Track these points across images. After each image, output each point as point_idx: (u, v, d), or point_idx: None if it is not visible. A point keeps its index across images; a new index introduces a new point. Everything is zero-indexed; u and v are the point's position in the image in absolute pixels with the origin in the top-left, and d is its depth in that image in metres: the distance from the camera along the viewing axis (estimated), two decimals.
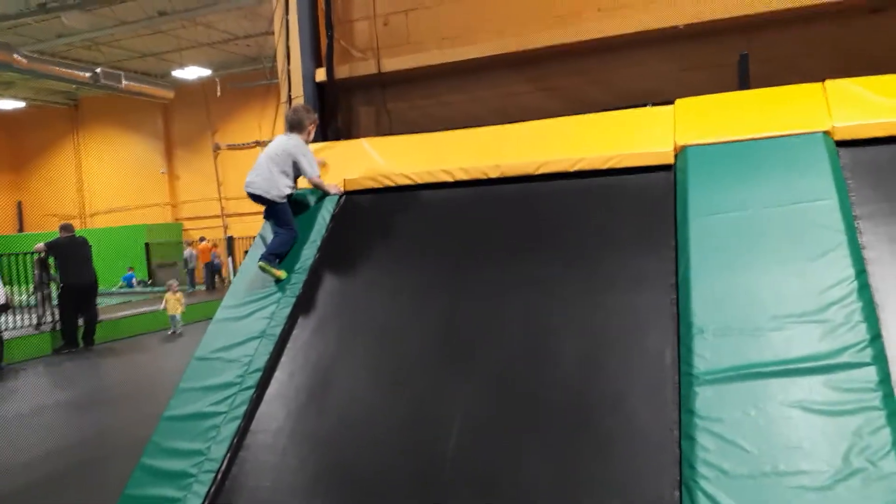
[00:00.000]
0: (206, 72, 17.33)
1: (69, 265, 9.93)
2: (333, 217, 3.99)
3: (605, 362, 2.88)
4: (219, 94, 18.37)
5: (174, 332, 10.83)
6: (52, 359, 9.65)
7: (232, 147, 18.32)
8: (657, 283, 3.05)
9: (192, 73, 17.56)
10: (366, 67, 4.49)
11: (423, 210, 3.88)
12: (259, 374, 3.31)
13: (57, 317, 10.11)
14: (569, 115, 3.88)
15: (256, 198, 3.90)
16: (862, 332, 2.50)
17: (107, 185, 22.07)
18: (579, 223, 3.50)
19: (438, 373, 3.12)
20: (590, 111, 3.86)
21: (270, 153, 3.90)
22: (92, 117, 22.19)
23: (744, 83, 3.74)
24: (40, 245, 10.03)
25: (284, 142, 3.93)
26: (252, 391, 3.25)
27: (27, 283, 11.22)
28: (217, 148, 20.18)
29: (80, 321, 10.07)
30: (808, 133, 3.20)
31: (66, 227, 10.19)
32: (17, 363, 9.26)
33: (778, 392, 2.47)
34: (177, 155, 21.61)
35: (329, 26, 4.51)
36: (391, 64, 4.42)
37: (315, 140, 4.60)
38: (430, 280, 3.54)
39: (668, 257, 3.12)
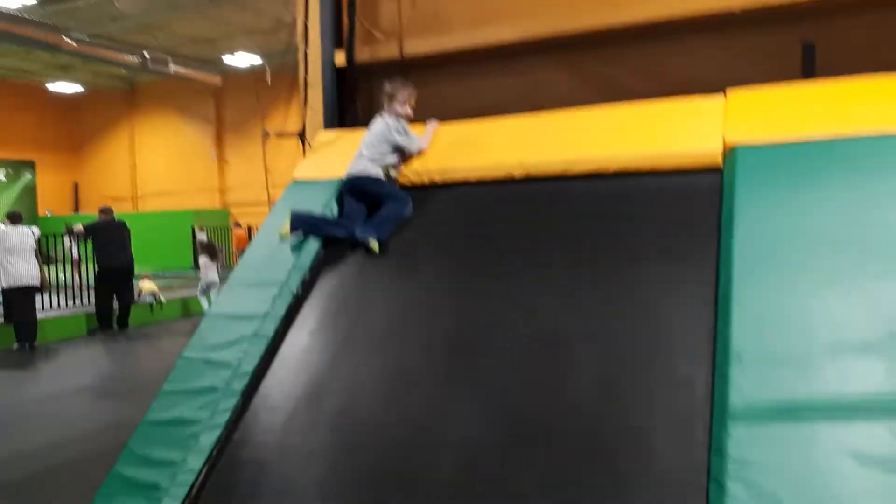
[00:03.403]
0: (256, 58, 17.32)
1: (107, 248, 9.92)
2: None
3: (626, 387, 2.51)
4: (269, 81, 18.35)
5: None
6: (85, 340, 9.67)
7: (280, 135, 18.29)
8: (693, 300, 2.66)
9: (242, 59, 17.58)
10: (388, 51, 4.17)
11: (438, 209, 3.56)
12: (246, 379, 3.03)
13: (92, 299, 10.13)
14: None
15: (356, 186, 3.61)
16: None
17: (158, 168, 22.40)
18: (609, 229, 3.12)
19: (439, 388, 2.79)
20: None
21: (365, 140, 3.69)
22: (146, 101, 22.55)
23: (808, 74, 3.28)
24: (79, 227, 10.07)
25: (376, 125, 3.71)
26: (237, 398, 2.98)
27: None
28: (266, 135, 20.23)
29: (116, 304, 10.07)
30: (886, 135, 2.74)
31: (105, 210, 10.21)
32: (51, 343, 9.29)
33: (828, 437, 2.07)
34: (227, 140, 21.77)
35: (351, 5, 4.20)
36: (414, 46, 4.09)
37: (330, 126, 4.32)
38: (440, 285, 3.22)
39: (709, 269, 2.72)
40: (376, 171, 3.59)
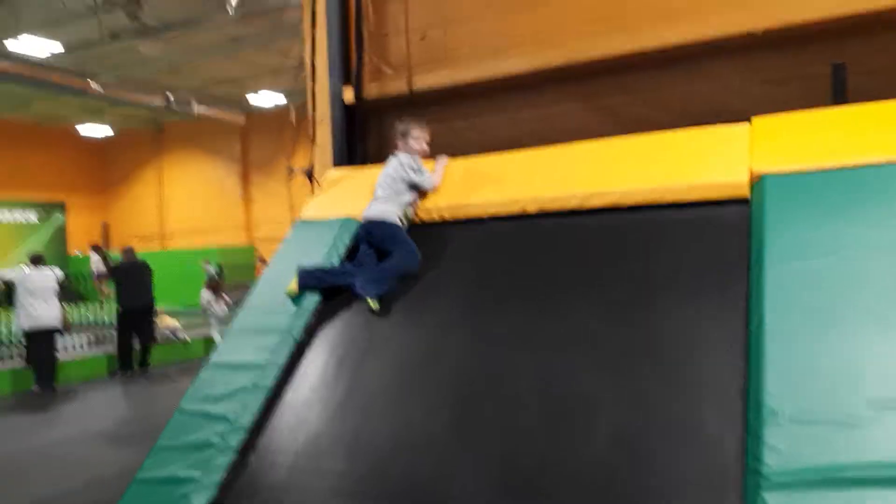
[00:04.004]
0: (280, 98, 17.48)
1: (130, 289, 9.88)
2: (349, 253, 3.53)
3: (648, 447, 2.27)
4: (293, 120, 18.51)
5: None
6: (105, 382, 9.59)
7: (300, 171, 18.32)
8: (721, 347, 2.43)
9: (267, 99, 17.77)
10: (397, 86, 4.04)
11: (449, 247, 3.38)
12: (243, 434, 2.85)
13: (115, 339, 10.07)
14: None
15: (370, 232, 3.44)
16: None
17: (186, 207, 22.62)
18: (629, 268, 2.91)
19: (446, 446, 2.58)
20: None
21: (379, 181, 3.53)
22: (174, 142, 22.87)
23: (839, 99, 3.06)
24: (101, 269, 10.08)
25: (390, 165, 3.55)
26: (233, 455, 2.79)
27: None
28: (291, 171, 20.34)
29: (137, 344, 9.99)
30: None
31: (128, 251, 10.20)
32: (72, 385, 9.22)
33: None
34: (253, 179, 21.93)
35: (359, 41, 4.09)
36: (423, 81, 3.95)
37: (339, 163, 4.19)
38: (448, 332, 3.02)
39: (738, 314, 2.49)
40: (393, 213, 3.43)
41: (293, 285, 3.34)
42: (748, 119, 3.05)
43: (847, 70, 3.06)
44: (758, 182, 2.82)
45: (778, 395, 2.11)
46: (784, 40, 3.23)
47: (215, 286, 10.44)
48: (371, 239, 3.43)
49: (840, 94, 3.05)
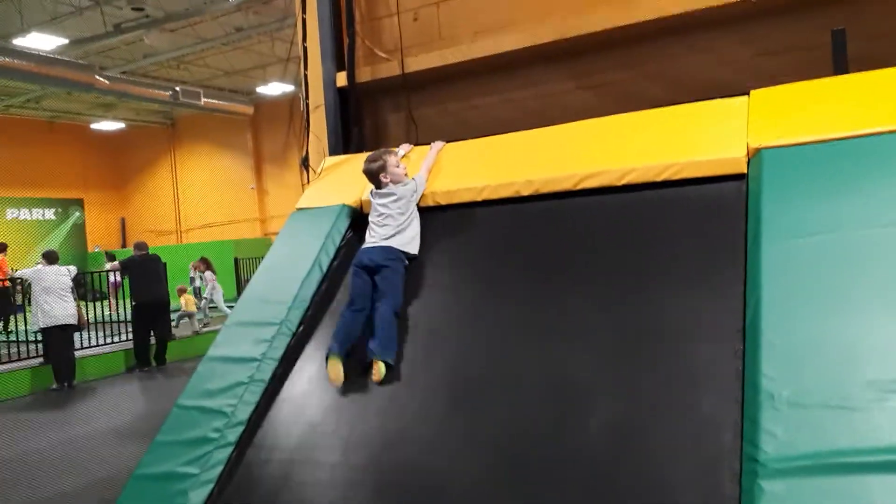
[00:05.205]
0: (287, 87, 17.41)
1: (142, 283, 9.93)
2: (345, 240, 3.50)
3: (643, 433, 2.23)
4: (302, 108, 18.43)
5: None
6: (123, 377, 9.68)
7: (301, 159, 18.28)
8: (718, 330, 2.38)
9: (274, 89, 17.71)
10: (389, 69, 3.96)
11: (443, 233, 3.32)
12: (241, 429, 2.84)
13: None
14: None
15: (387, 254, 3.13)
16: None
17: (200, 201, 22.70)
18: (624, 249, 2.85)
19: (438, 434, 2.56)
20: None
21: (386, 213, 3.22)
22: (186, 136, 22.93)
23: (840, 67, 2.95)
24: (115, 263, 10.15)
25: (384, 202, 3.25)
26: (231, 449, 2.79)
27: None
28: (303, 163, 20.32)
29: (153, 340, 10.06)
30: None
31: (140, 246, 10.23)
32: (91, 381, 9.32)
33: (880, 494, 1.76)
34: (265, 171, 21.95)
35: (350, 23, 4.02)
36: (416, 63, 3.87)
37: (335, 151, 4.14)
38: (443, 319, 2.99)
39: (735, 294, 2.42)
40: (417, 244, 3.24)
41: (336, 372, 2.88)
42: (747, 92, 2.96)
43: (847, 36, 2.95)
44: (755, 156, 2.74)
45: (775, 378, 2.04)
46: (781, 8, 3.13)
47: (210, 265, 12.22)
48: (374, 262, 3.09)
49: (840, 62, 2.95)
